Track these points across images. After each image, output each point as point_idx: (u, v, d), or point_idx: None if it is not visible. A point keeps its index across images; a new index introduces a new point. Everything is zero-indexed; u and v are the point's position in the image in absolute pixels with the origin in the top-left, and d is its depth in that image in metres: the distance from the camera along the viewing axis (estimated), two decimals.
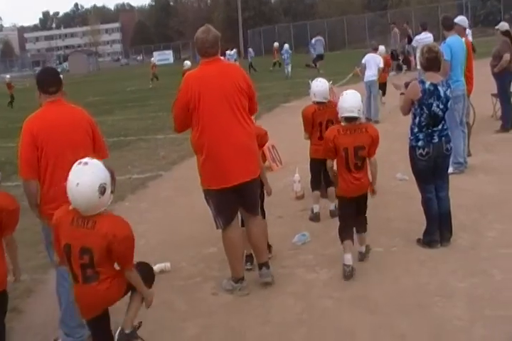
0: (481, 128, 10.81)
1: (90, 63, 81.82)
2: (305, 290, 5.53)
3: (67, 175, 4.04)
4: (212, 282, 5.96)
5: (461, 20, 9.71)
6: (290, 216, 7.76)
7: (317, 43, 33.66)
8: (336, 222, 7.19)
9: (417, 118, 6.14)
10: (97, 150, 4.81)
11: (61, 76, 5.23)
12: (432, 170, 6.24)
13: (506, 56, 11.12)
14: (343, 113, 5.73)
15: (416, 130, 6.18)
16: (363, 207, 5.99)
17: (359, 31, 57.19)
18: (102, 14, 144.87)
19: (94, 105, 26.29)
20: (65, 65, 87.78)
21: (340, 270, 5.78)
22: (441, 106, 6.04)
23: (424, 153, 6.13)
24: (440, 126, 6.13)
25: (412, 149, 6.23)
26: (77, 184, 3.94)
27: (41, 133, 4.61)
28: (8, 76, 34.63)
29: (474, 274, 5.49)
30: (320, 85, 7.36)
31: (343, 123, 5.80)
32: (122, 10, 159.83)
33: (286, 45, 32.32)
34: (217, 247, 6.80)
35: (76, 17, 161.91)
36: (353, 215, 5.90)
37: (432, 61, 6.13)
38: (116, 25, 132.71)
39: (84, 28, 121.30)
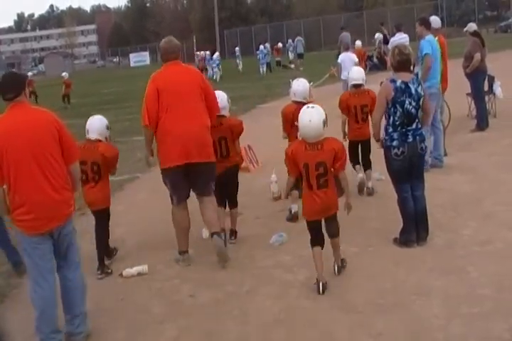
0: (457, 127, 10.89)
1: (66, 65, 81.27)
2: (282, 291, 5.53)
3: (31, 181, 4.49)
4: (189, 284, 5.94)
5: (433, 20, 9.82)
6: (267, 217, 7.77)
7: (298, 43, 36.15)
8: (304, 222, 7.25)
9: (392, 118, 6.20)
10: (65, 154, 4.79)
11: (28, 78, 5.24)
12: (407, 170, 6.28)
13: (477, 56, 11.24)
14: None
15: (390, 130, 6.24)
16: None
17: (335, 32, 57.36)
18: (77, 16, 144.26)
19: (70, 107, 26.15)
20: (41, 67, 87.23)
21: None
22: (413, 104, 6.13)
23: (399, 153, 6.18)
24: (414, 125, 6.20)
25: (387, 149, 6.27)
26: (310, 121, 5.40)
27: (0, 139, 4.59)
28: None
29: (450, 272, 5.52)
30: (301, 85, 7.41)
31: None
32: (98, 11, 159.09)
33: (262, 46, 33.35)
34: (194, 249, 6.82)
35: (51, 19, 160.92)
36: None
37: (403, 63, 6.23)
38: (92, 26, 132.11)
39: (60, 30, 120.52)
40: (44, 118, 4.78)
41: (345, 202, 5.72)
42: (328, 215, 5.67)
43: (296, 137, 7.14)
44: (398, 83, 6.12)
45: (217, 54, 35.53)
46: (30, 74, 29.85)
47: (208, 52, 36.73)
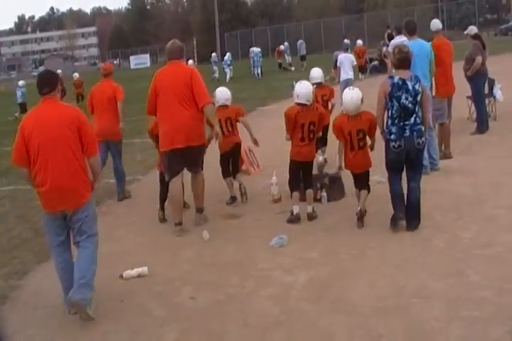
0: (457, 130, 10.89)
1: (66, 67, 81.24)
2: (283, 293, 5.52)
3: (50, 169, 5.22)
4: (190, 286, 5.93)
5: (433, 23, 9.87)
6: (267, 219, 7.77)
7: (301, 46, 37.40)
8: (315, 225, 7.29)
9: (390, 111, 6.72)
10: (84, 148, 5.40)
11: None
12: (401, 162, 6.79)
13: (478, 59, 11.27)
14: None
15: (389, 123, 6.74)
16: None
17: (336, 34, 57.43)
18: (78, 18, 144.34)
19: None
20: (41, 69, 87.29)
21: (319, 273, 5.86)
22: (410, 99, 6.60)
23: (396, 146, 6.68)
24: (412, 120, 6.65)
25: (387, 142, 6.78)
26: (351, 98, 7.02)
27: (27, 127, 5.30)
28: None
29: (451, 275, 5.52)
30: (304, 87, 7.40)
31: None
32: (99, 14, 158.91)
33: (256, 49, 34.12)
34: (195, 251, 6.84)
35: (52, 21, 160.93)
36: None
37: (403, 61, 6.77)
38: (93, 29, 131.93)
39: (60, 32, 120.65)
40: (69, 115, 5.38)
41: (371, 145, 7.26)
42: (363, 171, 7.31)
43: (299, 139, 7.25)
44: (396, 79, 6.64)
45: (228, 54, 35.68)
46: (76, 75, 29.77)
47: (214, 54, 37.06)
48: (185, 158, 7.44)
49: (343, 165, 7.35)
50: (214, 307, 5.42)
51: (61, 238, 5.52)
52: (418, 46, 8.85)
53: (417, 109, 6.66)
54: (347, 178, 8.41)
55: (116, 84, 9.65)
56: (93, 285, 5.44)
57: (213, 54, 38.69)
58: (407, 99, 6.59)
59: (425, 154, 8.77)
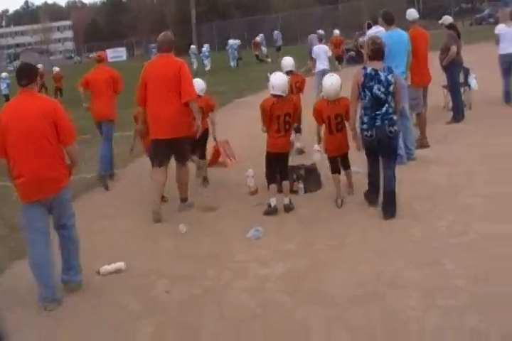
0: (433, 119, 10.93)
1: (42, 61, 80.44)
2: (259, 286, 5.51)
3: (25, 159, 5.36)
4: (166, 279, 5.90)
5: (409, 13, 9.88)
6: (244, 211, 7.74)
7: (277, 37, 38.11)
8: (291, 217, 7.28)
9: (363, 102, 6.95)
10: (61, 136, 5.53)
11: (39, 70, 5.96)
12: (376, 150, 7.02)
13: (453, 48, 11.31)
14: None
15: (362, 113, 6.98)
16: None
17: (311, 25, 57.32)
18: (53, 12, 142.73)
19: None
20: (16, 63, 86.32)
21: (295, 264, 5.86)
22: (382, 89, 6.81)
23: (368, 135, 6.93)
24: (384, 110, 6.85)
25: (361, 131, 7.05)
26: (331, 83, 7.36)
27: (4, 118, 5.43)
28: None
29: (426, 264, 5.54)
30: (279, 79, 7.38)
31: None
32: (74, 7, 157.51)
33: (231, 41, 34.52)
34: (172, 244, 6.81)
35: (26, 15, 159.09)
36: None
37: (376, 52, 6.97)
38: (68, 22, 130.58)
39: (35, 26, 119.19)
40: (45, 106, 5.51)
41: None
42: (343, 153, 7.65)
43: (275, 131, 7.27)
44: (368, 70, 6.87)
45: (206, 46, 35.68)
46: (56, 69, 29.40)
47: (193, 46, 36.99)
48: (171, 148, 7.68)
49: (322, 146, 8.04)
50: (190, 301, 5.40)
51: (42, 229, 5.60)
52: (396, 36, 8.88)
53: (389, 99, 6.84)
54: (323, 169, 8.45)
55: (110, 68, 10.42)
56: (81, 270, 5.93)
57: (192, 46, 38.57)
58: (379, 89, 6.79)
59: (401, 144, 8.83)
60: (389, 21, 9.11)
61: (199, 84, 8.83)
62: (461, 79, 12.50)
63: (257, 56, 37.96)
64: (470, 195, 7.38)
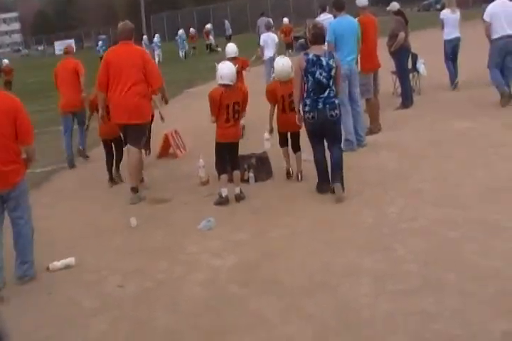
0: (382, 105, 10.97)
1: None
2: (212, 277, 5.47)
3: None
4: (118, 274, 5.81)
5: (358, 0, 9.92)
6: (195, 202, 7.69)
7: (227, 26, 39.66)
8: (243, 207, 7.26)
9: (306, 86, 7.14)
10: (19, 135, 5.63)
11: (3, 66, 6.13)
12: (318, 133, 7.28)
13: (401, 34, 11.43)
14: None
15: (305, 96, 7.17)
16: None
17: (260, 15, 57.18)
18: None
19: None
20: None
21: (248, 255, 5.84)
22: (324, 74, 7.04)
23: (310, 117, 7.15)
24: (326, 94, 7.08)
25: (303, 113, 7.26)
26: (283, 65, 7.79)
27: None
28: None
29: (377, 250, 5.56)
30: (226, 68, 7.34)
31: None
32: None
33: (180, 31, 34.73)
34: (122, 239, 6.73)
35: None
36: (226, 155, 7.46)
37: (317, 36, 7.20)
38: (15, 14, 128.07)
39: None
40: (7, 104, 5.57)
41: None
42: (294, 131, 7.96)
43: (225, 120, 7.31)
44: (310, 56, 7.08)
45: (157, 36, 35.59)
46: (6, 61, 28.59)
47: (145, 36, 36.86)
48: (126, 132, 8.01)
49: (274, 127, 8.17)
50: (143, 295, 5.33)
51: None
52: (346, 23, 8.95)
53: (331, 83, 7.09)
54: (273, 158, 8.45)
55: (77, 60, 10.83)
56: (33, 261, 5.96)
57: (144, 36, 38.52)
58: (321, 74, 7.03)
59: (351, 129, 8.89)
60: (339, 8, 9.14)
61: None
62: (410, 65, 12.63)
63: (207, 46, 37.87)
64: (419, 179, 7.46)
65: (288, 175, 8.14)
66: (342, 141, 8.73)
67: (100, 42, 41.47)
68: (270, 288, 5.12)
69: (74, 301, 5.38)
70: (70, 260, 6.17)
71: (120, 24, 8.09)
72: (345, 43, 8.80)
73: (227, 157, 7.51)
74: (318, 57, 7.04)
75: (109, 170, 9.02)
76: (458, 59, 13.29)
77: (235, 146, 7.53)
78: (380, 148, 9.11)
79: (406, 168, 8.00)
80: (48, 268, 6.07)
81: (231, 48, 11.18)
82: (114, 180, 9.01)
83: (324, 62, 7.03)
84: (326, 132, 7.24)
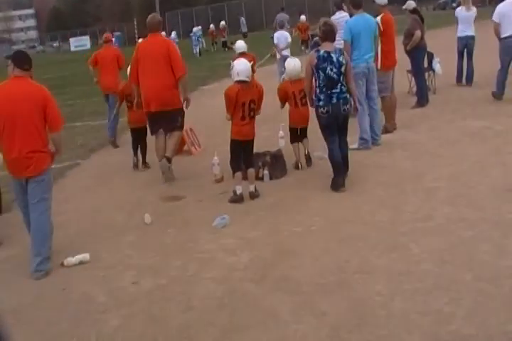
0: (398, 104, 10.93)
1: (4, 51, 79.01)
2: (226, 274, 5.47)
3: (11, 140, 5.81)
4: (132, 270, 5.83)
5: None
6: (210, 199, 7.70)
7: (242, 23, 39.77)
8: (257, 204, 7.26)
9: (317, 81, 7.42)
10: (48, 123, 5.93)
11: None
12: (332, 126, 7.46)
13: (417, 33, 11.39)
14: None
15: (318, 91, 7.43)
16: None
17: (277, 12, 56.99)
18: (14, 0, 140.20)
19: None
20: None
21: (262, 252, 5.84)
22: (334, 70, 7.30)
23: (324, 111, 7.37)
24: (338, 89, 7.35)
25: (316, 108, 7.48)
26: (294, 65, 8.42)
27: None
28: None
29: (393, 249, 5.55)
30: (243, 64, 7.36)
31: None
32: None
33: (195, 28, 35.20)
34: (136, 235, 6.74)
35: None
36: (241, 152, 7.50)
37: (328, 33, 7.41)
38: (31, 11, 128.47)
39: None
40: (36, 93, 5.89)
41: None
42: (304, 126, 8.52)
43: (240, 118, 7.31)
44: (321, 52, 7.33)
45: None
46: None
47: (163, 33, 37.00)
48: (161, 120, 8.43)
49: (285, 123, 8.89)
50: (157, 291, 5.34)
51: (26, 201, 6.09)
52: (363, 21, 8.95)
53: (341, 79, 7.36)
54: (288, 156, 8.44)
55: (116, 48, 12.99)
56: (49, 252, 6.08)
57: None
58: (332, 70, 7.29)
59: (367, 128, 8.88)
60: (356, 5, 9.13)
61: None
62: (426, 64, 12.59)
63: (224, 43, 37.89)
64: (434, 178, 7.43)
65: (296, 168, 8.54)
66: (357, 139, 8.78)
67: (113, 40, 41.53)
68: (284, 285, 5.12)
69: (88, 297, 5.39)
70: (85, 256, 6.19)
71: (149, 17, 8.58)
72: (362, 42, 8.82)
73: (242, 154, 7.52)
74: (328, 53, 7.30)
75: (135, 154, 9.67)
76: (473, 57, 13.26)
77: (250, 144, 7.53)
78: (395, 147, 9.08)
79: (421, 167, 7.96)
80: (62, 264, 6.10)
81: (240, 44, 12.00)
82: (137, 165, 9.67)
83: (335, 59, 7.29)
84: (337, 125, 7.47)
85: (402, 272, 5.08)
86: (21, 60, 6.00)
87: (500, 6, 11.43)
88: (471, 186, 7.03)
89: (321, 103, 7.38)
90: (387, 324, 4.30)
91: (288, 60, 8.76)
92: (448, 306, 4.43)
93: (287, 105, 8.64)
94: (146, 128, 9.21)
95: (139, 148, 9.69)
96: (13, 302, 5.42)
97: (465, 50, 13.31)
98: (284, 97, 8.55)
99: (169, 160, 8.35)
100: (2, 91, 5.93)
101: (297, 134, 8.62)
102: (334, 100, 7.32)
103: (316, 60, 7.32)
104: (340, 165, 7.49)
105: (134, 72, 8.48)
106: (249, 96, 7.30)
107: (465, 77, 13.44)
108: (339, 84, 7.34)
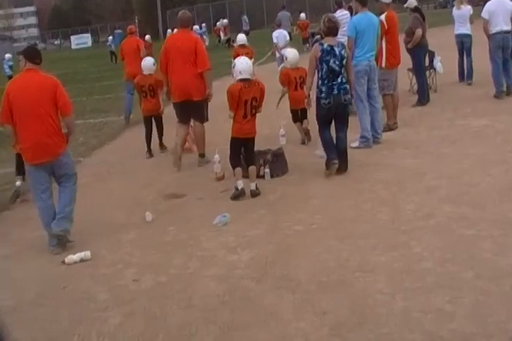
0: (399, 102, 10.95)
1: (5, 48, 78.99)
2: (226, 273, 5.46)
3: (29, 127, 6.29)
4: (133, 268, 5.83)
5: None
6: (210, 197, 7.70)
7: (243, 22, 39.53)
8: (258, 202, 7.26)
9: (320, 73, 7.81)
10: (60, 108, 6.38)
11: None
12: (331, 116, 7.91)
13: (418, 31, 11.39)
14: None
15: (320, 83, 7.82)
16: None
17: (278, 10, 56.90)
18: None
19: None
20: None
21: (263, 250, 5.82)
22: (337, 63, 7.72)
23: (326, 103, 7.76)
24: (339, 80, 7.76)
25: (318, 99, 7.88)
26: (294, 54, 9.81)
27: (11, 92, 6.32)
28: None
29: (394, 248, 5.54)
30: (245, 62, 7.43)
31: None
32: None
33: (196, 26, 34.94)
34: (137, 233, 6.74)
35: None
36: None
37: (331, 29, 7.84)
38: (32, 8, 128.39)
39: None
40: (48, 82, 6.40)
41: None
42: (303, 107, 9.24)
43: (242, 116, 7.36)
44: (325, 46, 7.76)
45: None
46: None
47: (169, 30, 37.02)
48: (188, 109, 8.98)
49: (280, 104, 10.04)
50: (157, 289, 5.33)
51: (44, 186, 6.55)
52: (368, 19, 9.00)
53: (342, 71, 7.78)
54: (289, 154, 8.44)
55: (138, 39, 14.79)
56: (72, 219, 6.59)
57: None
58: (334, 62, 7.71)
59: (368, 126, 8.89)
60: (363, 3, 9.13)
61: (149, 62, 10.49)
62: (427, 63, 12.59)
63: (227, 41, 37.87)
64: (436, 177, 7.43)
65: (303, 143, 9.83)
66: (358, 138, 8.79)
67: (110, 38, 41.30)
68: (285, 283, 5.11)
69: (89, 294, 5.39)
70: (86, 253, 6.19)
71: (180, 13, 9.29)
72: (365, 40, 8.89)
73: (244, 152, 7.56)
74: (331, 47, 7.72)
75: (148, 143, 10.28)
76: (471, 55, 13.35)
77: (251, 141, 7.55)
78: (396, 145, 9.08)
79: (422, 165, 7.96)
80: (63, 262, 6.10)
81: (241, 36, 14.12)
82: (151, 152, 10.28)
83: (337, 52, 7.72)
84: (338, 115, 7.88)
85: (403, 270, 5.07)
86: (32, 55, 6.50)
87: (489, 4, 11.82)
88: (472, 184, 7.02)
89: (322, 95, 7.78)
90: (388, 322, 4.30)
91: (288, 50, 10.30)
92: (449, 304, 4.43)
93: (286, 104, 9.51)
94: (160, 116, 10.28)
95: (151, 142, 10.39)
96: (13, 300, 5.43)
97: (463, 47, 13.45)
98: (286, 81, 9.74)
99: (202, 155, 9.24)
100: (16, 83, 6.46)
101: (298, 115, 9.74)
102: (335, 91, 7.73)
103: (320, 53, 7.74)
104: (331, 146, 7.94)
105: (162, 63, 9.03)
106: (252, 93, 7.32)
107: (465, 74, 13.47)
108: (340, 76, 7.76)
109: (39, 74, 6.45)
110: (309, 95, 8.27)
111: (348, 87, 7.84)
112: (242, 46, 14.13)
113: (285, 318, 4.57)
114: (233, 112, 7.41)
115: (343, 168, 7.90)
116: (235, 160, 7.55)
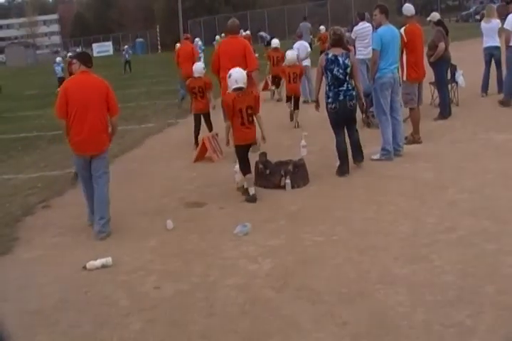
0: (420, 116, 10.95)
1: (28, 55, 79.81)
2: (247, 282, 5.49)
3: (81, 123, 6.89)
4: (154, 275, 5.86)
5: (406, 8, 9.95)
6: (231, 207, 7.73)
7: (265, 36, 39.59)
8: (279, 213, 7.27)
9: (326, 81, 8.43)
10: (110, 107, 7.10)
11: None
12: (341, 120, 8.52)
13: (441, 45, 11.38)
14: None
15: (327, 89, 8.46)
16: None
17: (299, 21, 57.07)
18: (39, 5, 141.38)
19: (33, 98, 25.69)
20: (2, 57, 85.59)
21: (283, 260, 5.85)
22: (340, 71, 8.31)
23: (333, 108, 8.40)
24: (345, 87, 8.33)
25: (326, 105, 8.52)
26: (292, 54, 13.30)
27: (69, 90, 6.98)
28: None
29: (414, 261, 5.54)
30: (239, 72, 7.83)
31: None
32: (60, 1, 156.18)
33: (218, 37, 35.02)
34: (158, 241, 6.78)
35: (12, 8, 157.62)
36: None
37: (337, 41, 8.43)
38: (55, 16, 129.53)
39: (21, 20, 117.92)
40: (100, 84, 7.13)
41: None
42: (296, 96, 13.03)
43: (239, 123, 7.73)
44: (330, 55, 8.36)
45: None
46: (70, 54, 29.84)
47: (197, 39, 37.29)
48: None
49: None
50: (178, 297, 5.36)
51: (88, 174, 7.22)
52: (391, 31, 9.03)
53: (347, 79, 8.33)
54: (310, 165, 8.46)
55: (192, 44, 18.21)
56: (108, 215, 7.18)
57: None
58: (338, 71, 8.30)
59: (390, 139, 8.89)
60: (387, 16, 9.17)
61: (199, 66, 11.61)
62: (449, 76, 12.58)
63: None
64: (457, 191, 7.42)
65: (291, 118, 12.98)
66: (379, 151, 8.80)
67: (126, 47, 40.99)
68: (305, 294, 5.13)
69: (110, 300, 5.43)
70: (107, 259, 6.22)
71: (229, 21, 10.24)
72: (390, 52, 8.94)
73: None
74: (336, 56, 8.31)
75: (196, 137, 11.31)
76: (501, 67, 13.45)
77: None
78: (417, 158, 9.08)
79: (443, 179, 7.95)
80: (85, 267, 6.14)
81: (275, 41, 16.92)
82: (198, 144, 10.86)
83: (341, 61, 8.29)
84: (345, 120, 8.50)
85: (424, 283, 5.07)
86: (86, 59, 7.24)
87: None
88: (493, 199, 7.01)
89: (329, 100, 8.44)
90: (409, 335, 4.30)
91: (287, 52, 13.35)
92: (470, 319, 4.42)
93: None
94: (208, 113, 11.35)
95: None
96: (36, 303, 5.48)
97: (492, 60, 13.53)
98: (284, 74, 13.16)
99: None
100: (74, 82, 7.12)
101: (291, 99, 12.98)
102: (341, 97, 8.33)
103: (325, 62, 8.37)
104: (345, 154, 8.49)
105: (215, 65, 9.93)
106: (246, 102, 7.64)
107: (496, 85, 13.59)
108: (345, 83, 8.33)
109: (92, 76, 7.15)
110: (317, 99, 8.86)
111: (353, 93, 8.39)
112: (275, 49, 16.54)
113: (305, 328, 4.59)
114: (230, 121, 7.77)
115: (359, 158, 8.68)
116: (244, 167, 7.88)
